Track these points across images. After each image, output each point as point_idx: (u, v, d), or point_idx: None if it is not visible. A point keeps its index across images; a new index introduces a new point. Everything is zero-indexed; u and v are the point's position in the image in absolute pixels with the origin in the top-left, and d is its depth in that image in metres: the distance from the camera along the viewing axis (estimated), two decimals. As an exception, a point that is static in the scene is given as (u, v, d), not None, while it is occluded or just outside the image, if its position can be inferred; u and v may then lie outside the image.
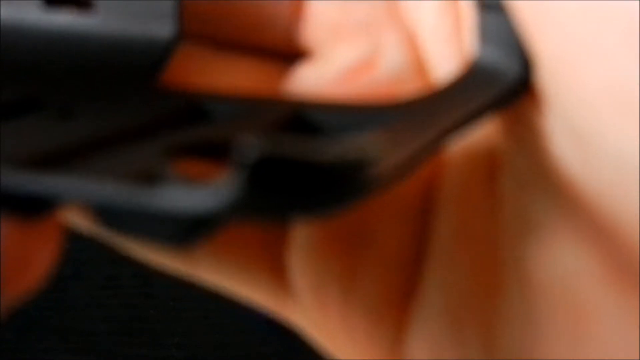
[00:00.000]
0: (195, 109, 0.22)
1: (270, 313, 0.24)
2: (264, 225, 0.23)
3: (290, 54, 0.24)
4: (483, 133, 0.22)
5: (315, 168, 0.14)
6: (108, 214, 0.16)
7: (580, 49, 0.18)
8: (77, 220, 0.23)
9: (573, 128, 0.19)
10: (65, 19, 0.24)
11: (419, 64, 0.23)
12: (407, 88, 0.23)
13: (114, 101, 0.22)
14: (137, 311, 0.58)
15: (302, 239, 0.23)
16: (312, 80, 0.24)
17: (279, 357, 0.56)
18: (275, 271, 0.23)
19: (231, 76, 0.24)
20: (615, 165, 0.18)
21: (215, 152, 0.21)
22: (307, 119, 0.21)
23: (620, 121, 0.18)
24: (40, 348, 0.54)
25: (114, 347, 0.57)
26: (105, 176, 0.17)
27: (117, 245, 0.24)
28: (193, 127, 0.21)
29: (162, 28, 0.23)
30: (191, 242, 0.16)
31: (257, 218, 0.15)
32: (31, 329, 0.53)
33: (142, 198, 0.15)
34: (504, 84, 0.21)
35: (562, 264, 0.20)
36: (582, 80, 0.19)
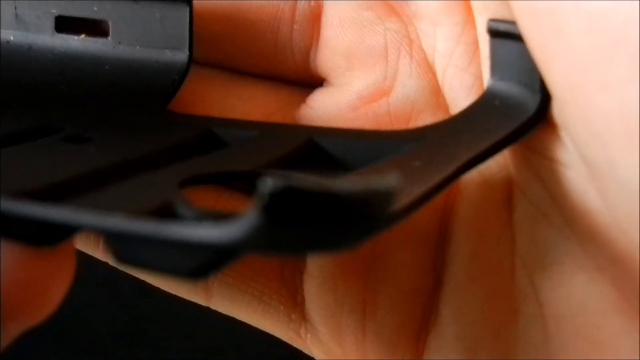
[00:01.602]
0: (208, 135, 0.22)
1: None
2: (283, 259, 0.23)
3: (306, 81, 0.25)
4: (499, 163, 0.22)
5: (336, 200, 0.14)
6: (123, 246, 0.16)
7: (589, 78, 0.19)
8: (89, 247, 0.24)
9: (586, 159, 0.20)
10: (77, 44, 0.24)
11: (435, 91, 0.23)
12: (423, 114, 0.23)
13: (127, 127, 0.22)
14: (137, 314, 0.58)
15: (317, 270, 0.23)
16: (327, 106, 0.24)
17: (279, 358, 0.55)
18: (291, 301, 0.24)
19: (247, 103, 0.24)
20: (627, 195, 0.19)
21: (230, 181, 0.21)
22: (322, 147, 0.22)
23: (629, 151, 0.18)
24: (39, 351, 0.54)
25: (114, 350, 0.57)
26: (121, 206, 0.17)
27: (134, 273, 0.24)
28: (207, 155, 0.21)
29: (175, 54, 0.24)
30: (207, 274, 0.16)
31: (277, 252, 0.15)
32: (30, 332, 0.53)
33: (160, 229, 0.15)
34: (520, 115, 0.21)
35: (580, 294, 0.20)
36: (591, 110, 0.19)
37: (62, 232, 0.17)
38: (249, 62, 0.25)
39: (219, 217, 0.17)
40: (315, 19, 0.24)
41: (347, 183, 0.14)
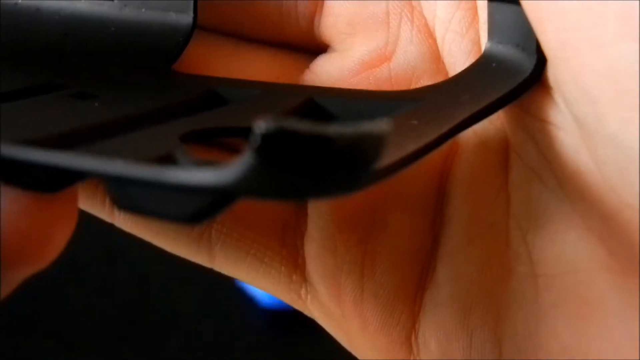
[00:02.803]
0: (211, 94, 0.23)
1: (286, 303, 0.25)
2: (277, 204, 0.24)
3: (310, 47, 0.25)
4: (496, 126, 0.23)
5: (327, 142, 0.14)
6: (123, 191, 0.17)
7: (581, 38, 0.19)
8: (92, 204, 0.24)
9: (577, 118, 0.20)
10: (83, 6, 0.25)
11: (434, 56, 0.24)
12: (423, 79, 0.24)
13: (132, 85, 0.23)
14: (134, 315, 0.58)
15: (317, 230, 0.24)
16: (330, 71, 0.25)
17: (279, 358, 0.56)
18: (292, 263, 0.24)
19: (252, 68, 0.25)
20: (616, 153, 0.19)
21: (229, 136, 0.21)
22: (321, 105, 0.22)
23: (617, 107, 0.19)
24: (37, 352, 0.54)
25: (111, 350, 0.57)
26: (123, 155, 0.18)
27: (142, 236, 0.25)
28: (209, 112, 0.21)
29: (180, 17, 0.24)
30: (203, 219, 0.16)
31: (271, 195, 0.15)
32: (28, 333, 0.54)
33: (160, 174, 0.16)
34: (516, 76, 0.21)
35: (570, 253, 0.21)
36: (582, 68, 0.19)
37: (64, 179, 0.17)
38: (254, 28, 0.25)
39: (209, 165, 0.17)
40: None
41: (338, 127, 0.15)
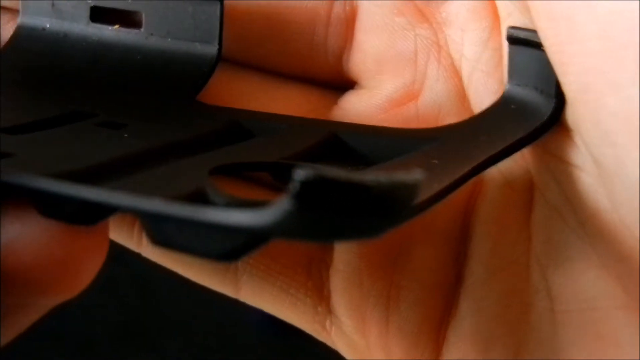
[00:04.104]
0: (236, 126, 0.23)
1: (311, 334, 0.25)
2: (310, 250, 0.24)
3: (338, 83, 0.26)
4: (521, 166, 0.23)
5: (364, 191, 0.15)
6: (159, 228, 0.17)
7: (600, 80, 0.20)
8: (119, 234, 0.25)
9: (596, 159, 0.21)
10: (110, 34, 0.25)
11: (461, 95, 0.24)
12: (449, 117, 0.25)
13: (158, 115, 0.24)
14: (134, 315, 0.58)
15: (343, 264, 0.25)
16: (358, 108, 0.25)
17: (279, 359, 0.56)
18: (317, 294, 0.25)
19: (280, 103, 0.25)
20: (631, 192, 0.20)
21: (256, 170, 0.22)
22: (344, 142, 0.23)
23: (635, 149, 0.20)
24: (39, 351, 0.54)
25: (112, 351, 0.57)
26: (155, 190, 0.18)
27: (168, 266, 0.25)
28: (234, 145, 0.22)
29: (205, 47, 0.25)
30: (238, 257, 0.17)
31: (306, 238, 0.16)
32: (27, 333, 0.54)
33: (198, 214, 0.16)
34: (534, 119, 0.22)
35: (589, 290, 0.22)
36: (601, 110, 0.20)
37: (101, 213, 0.18)
38: (284, 62, 0.26)
39: (246, 204, 0.18)
40: (349, 23, 0.25)
41: (374, 176, 0.15)
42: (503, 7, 0.24)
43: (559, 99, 0.22)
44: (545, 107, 0.22)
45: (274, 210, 0.15)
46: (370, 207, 0.15)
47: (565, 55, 0.21)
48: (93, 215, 0.18)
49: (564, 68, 0.21)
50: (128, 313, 0.58)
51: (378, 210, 0.16)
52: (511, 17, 0.23)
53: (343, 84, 0.26)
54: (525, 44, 0.23)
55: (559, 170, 0.22)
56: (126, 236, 0.25)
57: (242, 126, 0.24)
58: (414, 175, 0.16)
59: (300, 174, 0.15)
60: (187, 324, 0.58)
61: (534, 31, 0.22)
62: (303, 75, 0.26)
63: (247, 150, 0.22)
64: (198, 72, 0.25)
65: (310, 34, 0.25)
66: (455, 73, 0.25)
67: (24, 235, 0.18)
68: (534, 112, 0.22)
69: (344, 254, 0.25)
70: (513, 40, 0.23)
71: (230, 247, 0.17)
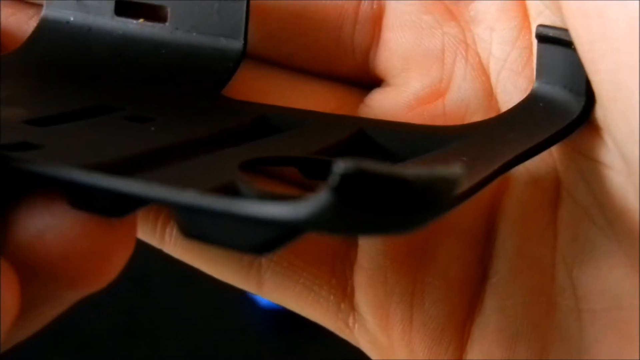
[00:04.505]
0: (263, 121, 0.23)
1: (333, 332, 0.25)
2: (336, 242, 0.24)
3: (365, 80, 0.26)
4: (548, 164, 0.23)
5: (404, 185, 0.15)
6: (192, 220, 0.17)
7: (631, 79, 0.20)
8: (143, 229, 0.25)
9: (625, 158, 0.21)
10: (135, 28, 0.25)
11: (488, 93, 0.24)
12: (476, 115, 0.25)
13: (184, 109, 0.23)
14: (134, 315, 0.58)
15: (367, 260, 0.24)
16: (385, 106, 0.25)
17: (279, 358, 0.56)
18: (340, 291, 0.25)
19: (307, 100, 0.25)
20: None
21: (284, 165, 0.22)
22: (371, 138, 0.23)
23: None
24: (39, 351, 0.54)
25: (112, 349, 0.57)
26: (187, 183, 0.18)
27: (190, 262, 0.25)
28: (262, 140, 0.22)
29: (230, 42, 0.24)
30: (271, 250, 0.17)
31: (343, 231, 0.16)
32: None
33: (232, 206, 0.16)
34: (563, 117, 0.22)
35: (614, 289, 0.22)
36: (632, 110, 0.20)
37: (131, 205, 0.18)
38: (311, 60, 0.26)
39: (278, 198, 0.17)
40: (376, 20, 0.25)
41: (415, 169, 0.15)
42: (533, 6, 0.24)
43: (589, 98, 0.22)
44: (575, 105, 0.22)
45: (312, 202, 0.15)
46: (410, 201, 0.15)
47: (596, 54, 0.21)
48: (123, 207, 0.18)
49: (595, 66, 0.21)
50: (128, 313, 0.58)
51: (418, 204, 0.15)
52: (542, 15, 0.23)
53: (370, 81, 0.26)
54: (554, 42, 0.23)
55: (587, 168, 0.22)
56: (148, 232, 0.25)
57: (268, 121, 0.23)
58: (455, 169, 0.16)
59: (341, 166, 0.15)
60: (187, 324, 0.58)
61: (564, 29, 0.22)
62: (330, 72, 0.26)
63: (274, 145, 0.22)
64: (223, 67, 0.25)
65: (337, 31, 0.26)
66: (482, 71, 0.25)
67: (53, 226, 0.18)
68: (563, 110, 0.22)
69: (368, 250, 0.25)
70: (542, 38, 0.23)
71: (265, 240, 0.17)
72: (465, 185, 0.19)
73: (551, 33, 0.23)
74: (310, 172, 0.21)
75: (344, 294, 0.25)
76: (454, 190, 0.16)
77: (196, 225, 0.17)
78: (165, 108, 0.24)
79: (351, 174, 0.15)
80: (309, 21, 0.25)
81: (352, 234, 0.16)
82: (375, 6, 0.25)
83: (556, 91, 0.23)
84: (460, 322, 0.24)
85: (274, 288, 0.25)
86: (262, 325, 0.56)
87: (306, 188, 0.24)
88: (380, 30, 0.25)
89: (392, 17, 0.25)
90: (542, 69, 0.23)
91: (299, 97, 0.26)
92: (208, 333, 0.57)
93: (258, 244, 0.17)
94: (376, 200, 0.15)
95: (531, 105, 0.23)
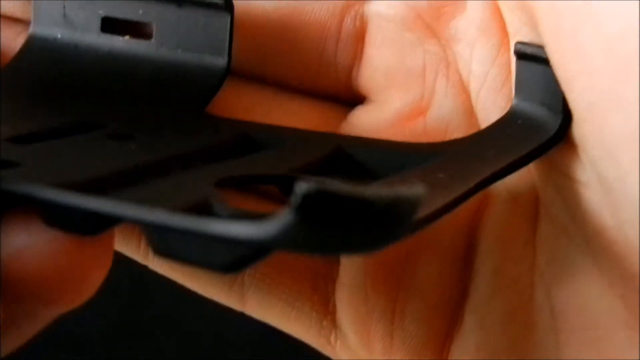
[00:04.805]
0: (244, 138, 0.23)
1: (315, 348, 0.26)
2: (313, 258, 0.24)
3: (348, 97, 0.26)
4: (527, 182, 0.24)
5: (366, 205, 0.15)
6: (162, 239, 0.17)
7: (605, 98, 0.20)
8: (126, 245, 0.25)
9: (600, 177, 0.21)
10: (121, 45, 0.25)
11: (469, 111, 0.25)
12: (457, 133, 0.25)
13: (167, 127, 0.24)
14: (134, 315, 0.58)
15: (349, 278, 0.25)
16: (367, 123, 0.26)
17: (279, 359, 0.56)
18: (322, 308, 0.25)
19: (290, 117, 0.26)
20: (635, 211, 0.20)
21: (262, 183, 0.22)
22: (350, 155, 0.23)
23: (638, 168, 0.20)
24: (38, 351, 0.54)
25: (111, 350, 0.57)
26: (160, 201, 0.18)
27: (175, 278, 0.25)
28: (241, 157, 0.22)
29: (215, 59, 0.25)
30: (239, 269, 0.17)
31: (308, 250, 0.16)
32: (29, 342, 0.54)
33: (200, 225, 0.16)
34: (541, 134, 0.22)
35: (592, 309, 0.22)
36: (606, 128, 0.20)
37: (105, 223, 0.18)
38: (293, 76, 0.26)
39: (251, 216, 0.18)
40: (359, 37, 0.26)
41: (376, 189, 0.15)
42: (512, 24, 0.24)
43: (566, 115, 0.22)
44: (552, 123, 0.22)
45: (275, 222, 0.16)
46: (371, 221, 0.15)
47: (570, 72, 0.21)
48: (97, 225, 0.18)
49: (569, 85, 0.21)
50: (128, 313, 0.58)
51: (379, 224, 0.16)
52: (520, 33, 0.23)
53: (353, 98, 0.26)
54: (532, 59, 0.23)
55: (564, 186, 0.22)
56: (133, 248, 0.25)
57: (250, 138, 0.24)
58: (416, 189, 0.16)
59: (302, 187, 0.15)
60: (187, 324, 0.58)
61: (542, 47, 0.22)
62: (313, 89, 0.26)
63: (254, 163, 0.22)
64: (207, 83, 0.25)
65: (320, 48, 0.26)
66: (463, 89, 0.25)
67: (30, 244, 0.19)
68: (541, 127, 0.22)
69: (350, 268, 0.25)
70: (521, 55, 0.23)
71: (233, 259, 0.17)
72: (438, 203, 0.19)
73: (529, 50, 0.23)
74: (289, 190, 0.22)
75: (326, 311, 0.25)
76: (415, 210, 0.16)
77: (166, 244, 0.18)
78: (148, 125, 0.24)
79: (312, 194, 0.15)
80: (292, 38, 0.25)
81: (317, 253, 0.16)
82: (357, 23, 0.25)
83: (534, 108, 0.23)
84: (441, 341, 0.24)
85: (256, 305, 0.25)
86: (262, 325, 0.56)
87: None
88: (362, 47, 0.26)
89: (375, 34, 0.25)
90: (521, 86, 0.23)
91: (282, 114, 0.26)
92: (207, 333, 0.57)
93: (227, 262, 0.17)
94: (337, 220, 0.15)
95: (509, 122, 0.23)
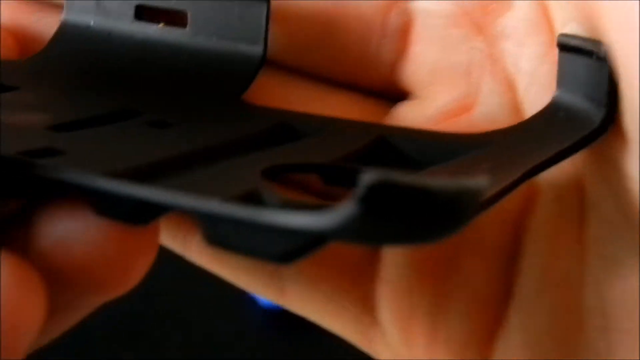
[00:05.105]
0: (284, 127, 0.23)
1: (355, 345, 0.25)
2: (360, 253, 0.24)
3: (391, 93, 0.26)
4: (574, 177, 0.23)
5: (430, 196, 0.15)
6: (216, 228, 0.17)
7: None
8: (166, 236, 0.25)
9: None
10: (155, 32, 0.25)
11: (515, 109, 0.24)
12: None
13: (205, 115, 0.24)
14: (134, 315, 0.58)
15: (391, 273, 0.25)
16: (410, 119, 0.25)
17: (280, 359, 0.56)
18: (363, 304, 0.25)
19: (330, 111, 0.25)
20: None
21: (307, 172, 0.22)
22: (393, 144, 0.23)
23: None
24: (37, 352, 0.54)
25: (111, 350, 0.57)
26: (209, 190, 0.18)
27: (213, 270, 0.25)
28: (283, 146, 0.22)
29: (250, 47, 0.25)
30: (295, 259, 0.17)
31: (368, 241, 0.16)
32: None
33: (257, 215, 0.16)
34: (583, 126, 0.22)
35: None
36: None
37: (154, 212, 0.18)
38: (336, 70, 0.26)
39: (301, 207, 0.18)
40: (404, 33, 0.25)
41: (440, 181, 0.15)
42: (559, 19, 0.24)
43: (610, 108, 0.22)
44: (595, 115, 0.22)
45: (338, 213, 0.16)
46: (435, 212, 0.15)
47: (634, 68, 0.21)
48: (147, 214, 0.18)
49: (631, 80, 0.21)
50: (128, 313, 0.58)
51: (443, 215, 0.16)
52: (566, 29, 0.23)
53: (396, 94, 0.26)
54: (576, 51, 0.23)
55: (616, 183, 0.22)
56: (172, 238, 0.25)
57: (289, 127, 0.24)
58: (480, 181, 0.16)
59: (368, 178, 0.15)
60: (187, 324, 0.58)
61: (586, 39, 0.22)
62: (355, 84, 0.26)
63: (295, 152, 0.22)
64: (244, 72, 0.25)
65: (364, 43, 0.25)
66: (509, 87, 0.25)
67: (77, 232, 0.19)
68: (583, 119, 0.22)
69: (392, 263, 0.24)
70: (564, 47, 0.23)
71: (289, 249, 0.17)
72: (487, 194, 0.19)
73: (573, 42, 0.23)
74: (332, 179, 0.22)
75: (366, 306, 0.25)
76: (478, 201, 0.16)
77: (220, 233, 0.17)
78: (186, 113, 0.24)
79: (378, 185, 0.15)
80: (336, 32, 0.25)
81: (376, 244, 0.16)
82: (403, 19, 0.25)
83: (577, 100, 0.23)
84: (485, 338, 0.24)
85: (295, 297, 0.25)
86: (263, 325, 0.56)
87: (322, 196, 0.24)
88: (407, 43, 0.25)
89: (420, 30, 0.25)
90: (563, 78, 0.23)
91: (322, 107, 0.25)
92: (208, 333, 0.57)
93: (282, 252, 0.17)
94: (401, 211, 0.15)
95: (552, 114, 0.23)
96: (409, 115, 0.25)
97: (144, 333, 0.57)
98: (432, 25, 0.25)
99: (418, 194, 0.15)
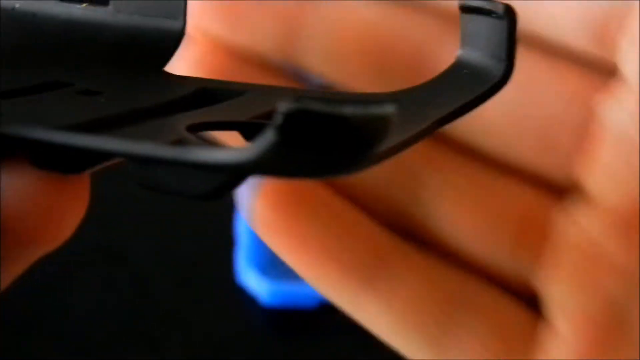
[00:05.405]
0: (204, 92, 0.24)
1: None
2: (291, 180, 0.25)
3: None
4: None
5: (343, 122, 0.16)
6: (149, 171, 0.18)
7: None
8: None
9: None
10: (79, 12, 0.26)
11: None
12: None
13: (131, 84, 0.25)
14: (134, 315, 0.58)
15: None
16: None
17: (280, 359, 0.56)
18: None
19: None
20: None
21: (228, 129, 0.23)
22: None
23: None
24: (37, 352, 0.54)
25: (111, 351, 0.57)
26: (143, 139, 0.19)
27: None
28: (206, 108, 0.23)
29: (171, 23, 0.26)
30: (220, 195, 0.18)
31: (287, 172, 0.17)
32: (28, 333, 0.53)
33: (186, 154, 0.17)
34: (487, 81, 0.23)
35: None
36: None
37: (89, 160, 0.19)
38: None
39: (224, 147, 0.19)
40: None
41: (352, 107, 0.16)
42: None
43: (509, 62, 0.24)
44: (497, 69, 0.24)
45: (257, 144, 0.16)
46: (347, 139, 0.17)
47: None
48: (81, 163, 0.19)
49: None
50: (128, 313, 0.58)
51: (355, 141, 0.17)
52: None
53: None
54: (476, 11, 0.24)
55: None
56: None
57: (211, 91, 0.25)
58: (387, 107, 0.17)
59: (284, 106, 0.16)
60: (187, 324, 0.58)
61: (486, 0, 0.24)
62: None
63: (217, 112, 0.23)
64: (165, 46, 0.26)
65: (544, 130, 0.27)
66: None
67: (11, 184, 0.19)
68: (487, 74, 0.24)
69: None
70: (465, 9, 0.25)
71: (214, 186, 0.18)
72: (396, 140, 0.20)
73: (473, 3, 0.24)
74: (253, 136, 0.23)
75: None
76: (387, 128, 0.17)
77: (151, 176, 0.19)
78: (113, 84, 0.25)
79: (295, 112, 0.16)
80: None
81: (297, 176, 0.17)
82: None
83: (479, 58, 0.24)
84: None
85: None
86: (263, 325, 0.56)
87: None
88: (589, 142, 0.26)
89: None
90: (465, 38, 0.25)
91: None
92: (208, 333, 0.57)
93: (209, 189, 0.18)
94: (316, 138, 0.16)
95: (456, 72, 0.25)
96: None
97: (144, 333, 0.57)
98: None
99: (331, 119, 0.16)
